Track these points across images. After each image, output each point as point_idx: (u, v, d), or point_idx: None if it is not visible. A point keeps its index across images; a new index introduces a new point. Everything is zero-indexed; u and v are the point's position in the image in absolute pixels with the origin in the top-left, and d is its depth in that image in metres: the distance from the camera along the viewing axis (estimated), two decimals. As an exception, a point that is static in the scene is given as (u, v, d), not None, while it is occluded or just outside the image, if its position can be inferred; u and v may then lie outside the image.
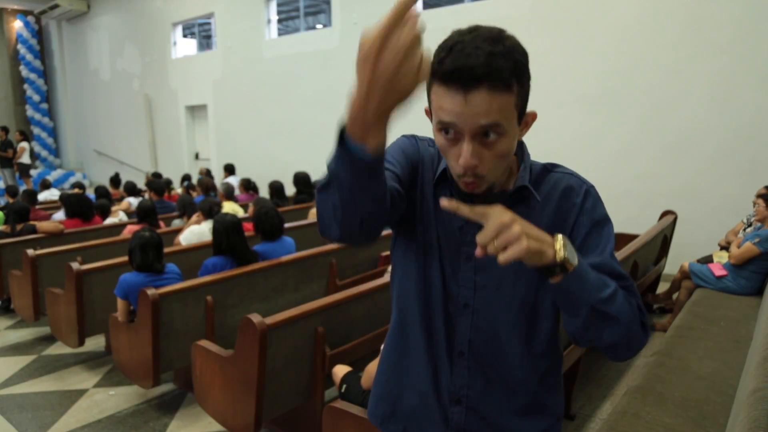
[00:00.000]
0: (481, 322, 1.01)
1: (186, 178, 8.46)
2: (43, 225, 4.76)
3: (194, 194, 6.68)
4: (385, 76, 0.66)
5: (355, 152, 0.73)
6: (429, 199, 1.03)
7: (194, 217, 4.55)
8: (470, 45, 0.81)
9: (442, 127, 0.87)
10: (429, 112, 0.93)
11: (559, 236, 0.84)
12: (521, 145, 1.03)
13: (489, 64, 0.80)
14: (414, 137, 1.09)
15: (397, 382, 1.14)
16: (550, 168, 1.03)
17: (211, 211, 4.36)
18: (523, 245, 0.76)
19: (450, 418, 1.06)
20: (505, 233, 0.76)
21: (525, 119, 0.93)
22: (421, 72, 0.68)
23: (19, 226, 4.87)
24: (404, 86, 0.68)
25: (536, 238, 0.79)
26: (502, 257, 0.76)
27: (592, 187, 1.02)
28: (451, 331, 1.04)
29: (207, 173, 8.12)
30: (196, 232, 4.26)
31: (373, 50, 0.65)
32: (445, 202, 0.81)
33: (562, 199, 0.99)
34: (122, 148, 12.96)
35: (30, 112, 14.67)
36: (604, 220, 1.00)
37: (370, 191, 0.79)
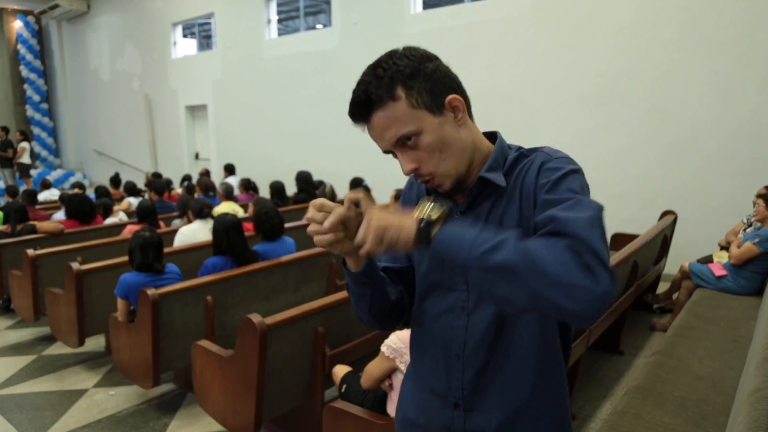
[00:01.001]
0: (475, 324, 1.01)
1: (186, 178, 8.45)
2: (43, 225, 4.76)
3: (195, 195, 6.67)
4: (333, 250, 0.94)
5: (348, 269, 1.03)
6: None
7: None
8: (355, 90, 0.95)
9: (389, 154, 0.99)
10: None
11: (426, 203, 0.87)
12: (495, 135, 1.05)
13: (364, 93, 0.93)
14: (408, 185, 1.17)
15: (414, 385, 1.15)
16: (527, 153, 1.01)
17: (201, 211, 4.34)
18: (373, 225, 0.83)
19: (451, 422, 1.06)
20: (367, 224, 0.85)
21: (447, 105, 0.95)
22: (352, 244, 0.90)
23: (19, 226, 4.87)
24: (343, 252, 0.95)
25: (395, 219, 0.84)
26: (366, 247, 0.84)
27: (562, 158, 0.95)
28: (448, 334, 1.04)
29: (206, 173, 8.12)
30: (187, 233, 4.25)
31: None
32: (350, 194, 0.91)
33: (525, 178, 0.96)
34: (122, 148, 12.96)
35: (30, 112, 14.67)
36: (557, 188, 0.89)
37: (366, 295, 1.05)
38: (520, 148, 1.04)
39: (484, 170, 0.98)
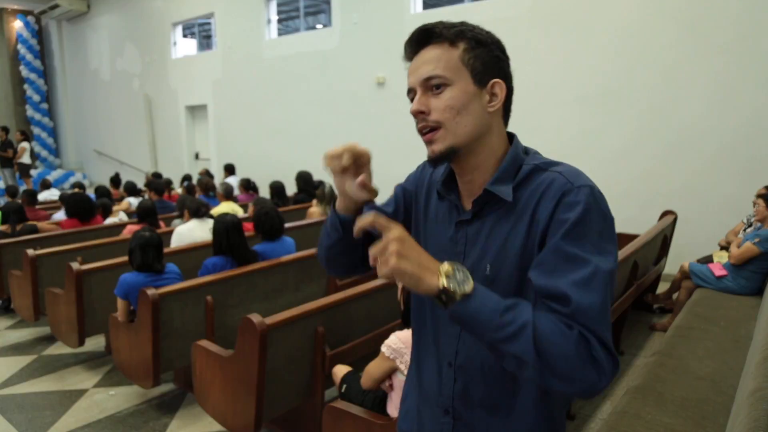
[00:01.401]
0: (468, 336, 0.99)
1: (186, 178, 8.45)
2: (44, 226, 4.76)
3: (195, 195, 6.67)
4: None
5: (334, 209, 1.06)
6: (429, 213, 1.08)
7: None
8: (427, 23, 0.97)
9: (409, 98, 0.98)
10: None
11: (447, 264, 0.83)
12: (512, 141, 1.00)
13: (432, 28, 0.95)
14: (420, 167, 1.16)
15: (413, 391, 1.15)
16: (543, 167, 0.95)
17: (198, 211, 4.33)
18: (391, 263, 0.81)
19: (441, 427, 1.05)
20: (385, 250, 0.82)
21: (489, 87, 0.95)
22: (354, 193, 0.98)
23: (18, 226, 4.87)
24: (339, 186, 1.00)
25: (417, 262, 0.82)
26: (378, 273, 0.83)
27: (583, 188, 0.88)
28: (443, 340, 1.04)
29: (206, 173, 8.12)
30: (184, 231, 4.25)
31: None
32: (359, 223, 0.88)
33: (540, 202, 0.90)
34: (122, 148, 12.96)
35: (30, 112, 14.66)
36: (575, 233, 0.85)
37: (333, 237, 1.06)
38: (536, 154, 1.00)
39: (491, 182, 0.94)
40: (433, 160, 0.97)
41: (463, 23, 0.96)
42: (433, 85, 0.93)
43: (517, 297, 0.87)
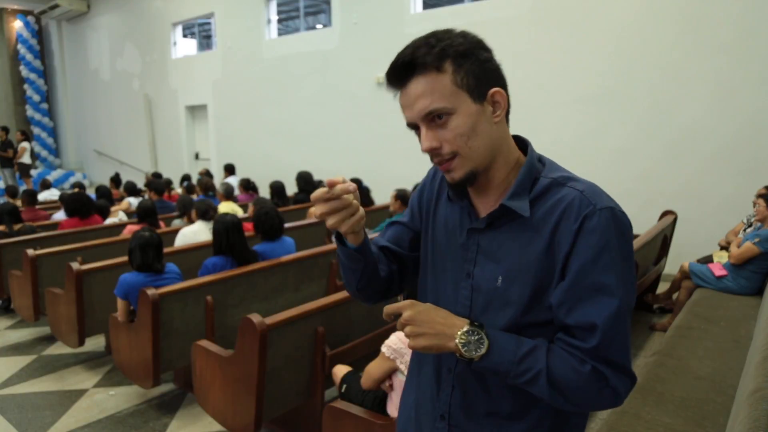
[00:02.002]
0: None
1: (186, 178, 8.46)
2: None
3: (194, 196, 6.67)
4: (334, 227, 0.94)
5: (344, 243, 1.02)
6: (438, 218, 1.07)
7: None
8: (401, 51, 0.91)
9: (411, 129, 0.96)
10: None
11: (464, 328, 0.89)
12: (526, 148, 0.99)
13: (411, 55, 0.89)
14: (430, 173, 1.15)
15: (412, 392, 1.14)
16: (562, 181, 0.92)
17: (206, 213, 4.34)
18: (412, 345, 0.91)
19: None
20: (408, 329, 0.91)
21: (489, 97, 0.91)
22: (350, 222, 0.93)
23: (16, 227, 4.86)
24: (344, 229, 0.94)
25: (433, 333, 0.90)
26: (410, 346, 0.92)
27: (605, 209, 0.87)
28: None
29: (206, 173, 8.12)
30: (189, 234, 4.25)
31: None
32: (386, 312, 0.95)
33: (561, 222, 0.89)
34: (122, 148, 12.96)
35: (30, 112, 14.66)
36: (601, 262, 0.86)
37: (357, 270, 1.04)
38: (552, 165, 0.98)
39: (508, 197, 0.93)
40: (455, 186, 0.96)
41: (436, 37, 0.90)
42: (435, 116, 0.90)
43: (525, 313, 0.92)
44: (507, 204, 0.92)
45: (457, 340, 0.88)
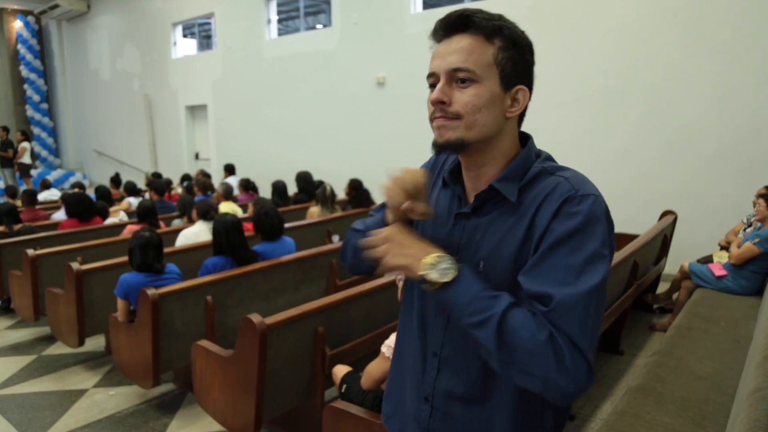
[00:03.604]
0: (455, 325, 1.00)
1: (186, 178, 8.46)
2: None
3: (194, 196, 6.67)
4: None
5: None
6: (431, 200, 1.08)
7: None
8: (459, 9, 0.93)
9: (429, 83, 0.96)
10: None
11: (433, 255, 0.89)
12: (527, 141, 1.00)
13: (471, 15, 0.91)
14: (430, 161, 1.17)
15: (397, 379, 1.16)
16: (551, 170, 0.94)
17: (207, 213, 4.34)
18: (383, 262, 0.93)
19: (418, 415, 1.07)
20: (383, 246, 0.93)
21: (514, 92, 0.93)
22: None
23: (16, 227, 4.86)
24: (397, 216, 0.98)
25: (405, 254, 0.91)
26: (377, 271, 0.96)
27: (587, 196, 0.88)
28: (430, 328, 1.05)
29: (202, 173, 8.12)
30: (189, 235, 4.25)
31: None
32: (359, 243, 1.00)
33: (542, 206, 0.90)
34: (122, 148, 12.96)
35: (30, 112, 14.66)
36: (571, 243, 0.85)
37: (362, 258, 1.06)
38: (548, 158, 1.00)
39: (498, 179, 0.94)
40: (440, 146, 0.95)
41: (501, 17, 0.93)
42: (459, 78, 0.90)
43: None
44: (496, 185, 0.94)
45: (423, 266, 0.88)
